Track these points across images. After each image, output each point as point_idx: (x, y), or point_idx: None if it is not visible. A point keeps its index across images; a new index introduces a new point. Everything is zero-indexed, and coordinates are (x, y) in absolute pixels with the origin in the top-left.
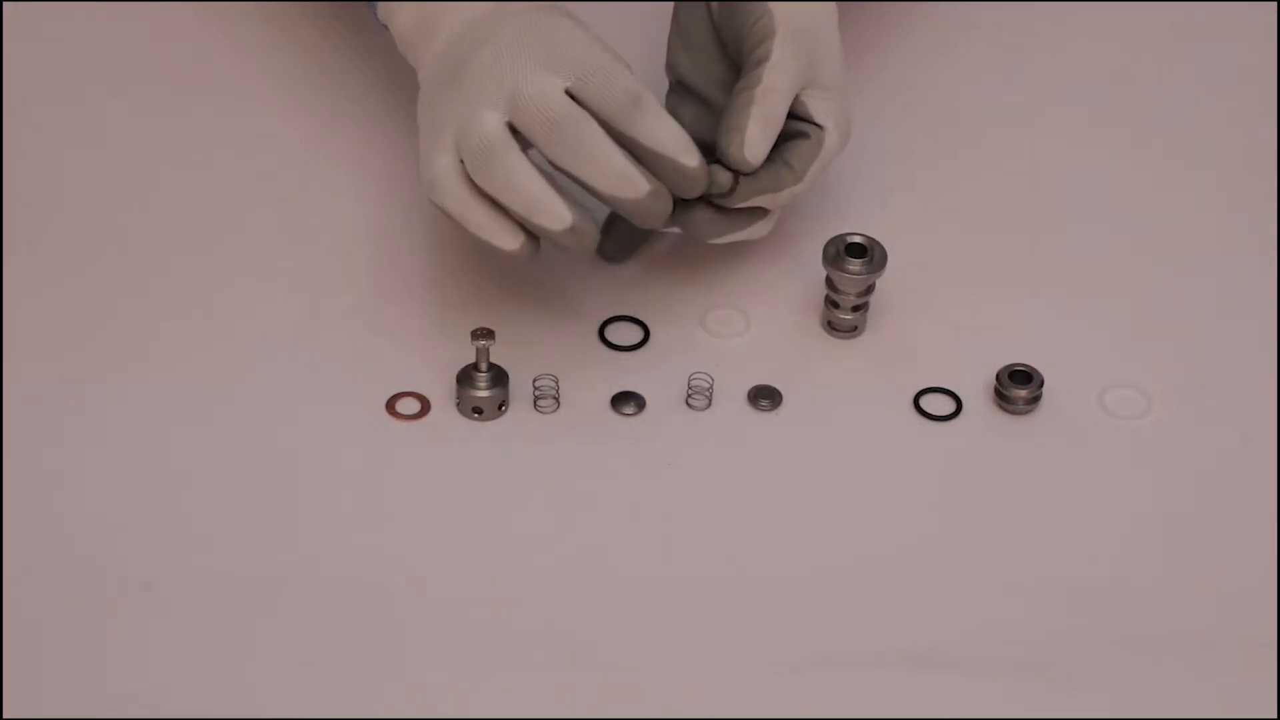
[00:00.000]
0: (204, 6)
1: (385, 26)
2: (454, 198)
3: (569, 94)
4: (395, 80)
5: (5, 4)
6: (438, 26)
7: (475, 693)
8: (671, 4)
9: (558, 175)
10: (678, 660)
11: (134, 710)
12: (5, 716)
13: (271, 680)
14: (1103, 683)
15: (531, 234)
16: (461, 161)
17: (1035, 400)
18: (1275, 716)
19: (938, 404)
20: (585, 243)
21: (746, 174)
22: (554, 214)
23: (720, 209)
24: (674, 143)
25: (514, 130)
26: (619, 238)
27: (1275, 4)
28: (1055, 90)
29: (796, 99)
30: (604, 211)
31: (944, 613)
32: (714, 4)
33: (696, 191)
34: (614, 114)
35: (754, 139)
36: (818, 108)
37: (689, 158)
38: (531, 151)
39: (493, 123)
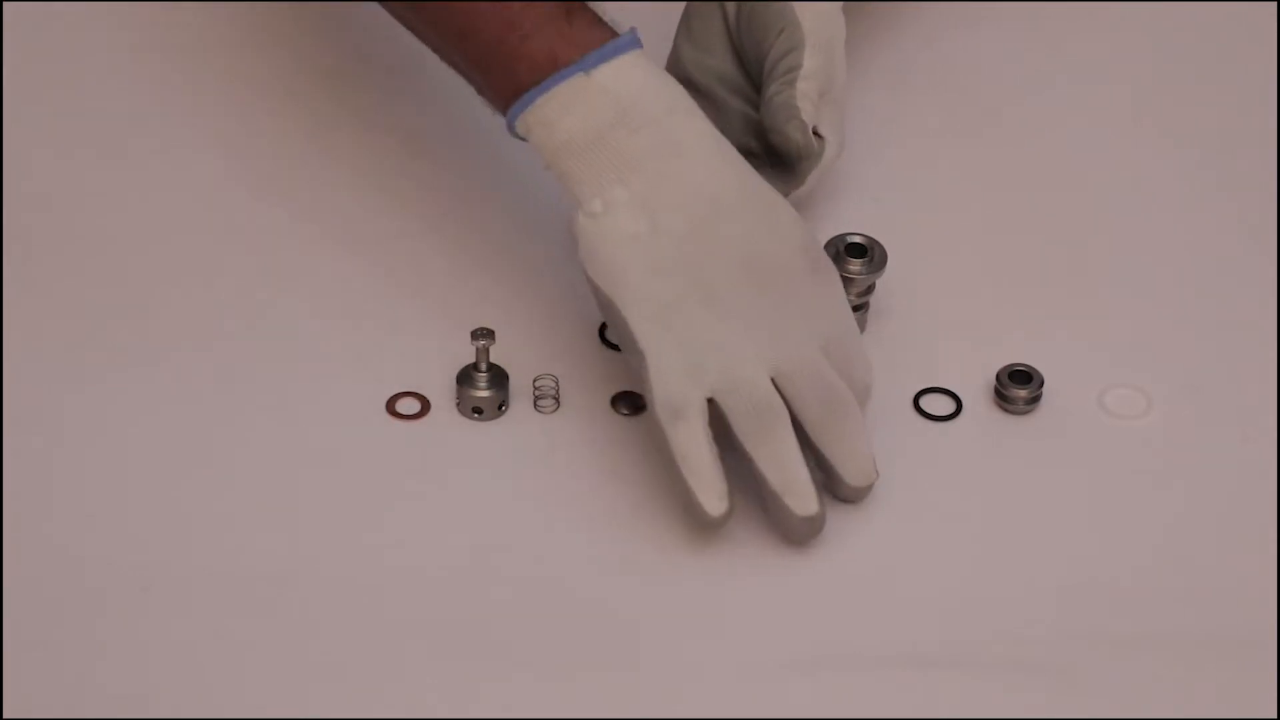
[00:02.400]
0: (204, 6)
1: (519, 136)
2: (694, 439)
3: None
4: (396, 80)
5: (5, 4)
6: (634, 164)
7: (475, 692)
8: (674, 3)
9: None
10: (678, 660)
11: (134, 710)
12: (5, 717)
13: (271, 680)
14: (1103, 683)
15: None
16: (709, 400)
17: (1035, 400)
18: (1275, 717)
19: (938, 404)
20: (814, 534)
21: (797, 160)
22: (806, 501)
23: None
24: (858, 472)
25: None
26: None
27: (1275, 4)
28: (1056, 91)
29: None
30: None
31: (944, 613)
32: (730, 7)
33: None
34: (816, 420)
35: (805, 128)
36: (824, 119)
37: (864, 480)
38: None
39: (768, 387)
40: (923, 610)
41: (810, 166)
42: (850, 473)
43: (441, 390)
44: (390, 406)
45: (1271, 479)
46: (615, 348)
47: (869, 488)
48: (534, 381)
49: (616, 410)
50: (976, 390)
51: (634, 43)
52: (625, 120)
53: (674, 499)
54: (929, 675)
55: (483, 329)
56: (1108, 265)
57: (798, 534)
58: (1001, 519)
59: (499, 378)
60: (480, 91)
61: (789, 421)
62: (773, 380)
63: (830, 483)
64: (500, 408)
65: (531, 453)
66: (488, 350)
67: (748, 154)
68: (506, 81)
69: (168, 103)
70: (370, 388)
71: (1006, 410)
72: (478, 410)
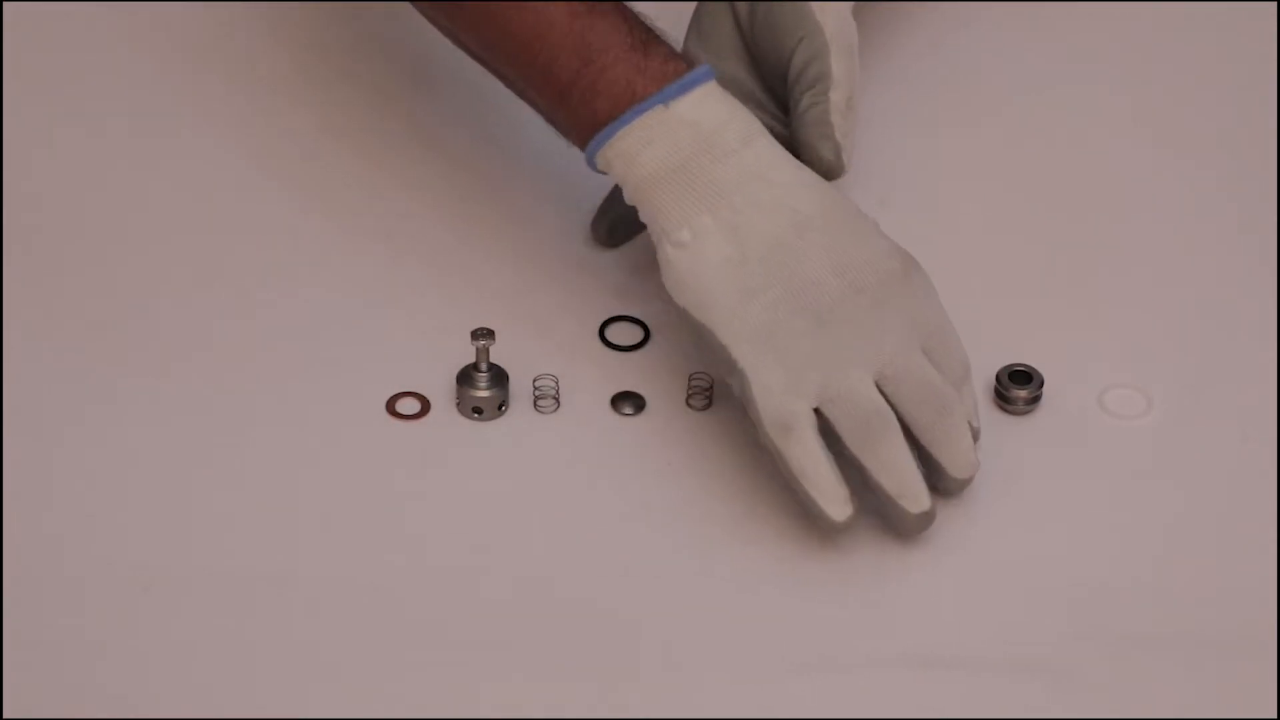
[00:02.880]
0: (204, 6)
1: (600, 170)
2: (808, 451)
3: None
4: (396, 80)
5: (5, 4)
6: (719, 192)
7: (475, 692)
8: (682, 4)
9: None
10: (678, 660)
11: (134, 710)
12: (5, 717)
13: (271, 680)
14: (1103, 683)
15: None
16: (815, 411)
17: (1035, 400)
18: (1275, 717)
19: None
20: (929, 526)
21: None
22: (920, 500)
23: None
24: (962, 467)
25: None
26: (612, 220)
27: (1275, 4)
28: (1056, 91)
29: None
30: None
31: (944, 613)
32: (741, 9)
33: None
34: (923, 424)
35: (838, 149)
36: (838, 127)
37: (966, 471)
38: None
39: (875, 392)
40: (923, 610)
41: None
42: (956, 467)
43: (441, 390)
44: (390, 406)
45: (1271, 479)
46: (615, 348)
47: (971, 479)
48: (534, 381)
49: (616, 410)
50: (976, 390)
51: (708, 74)
52: (708, 150)
53: (674, 498)
54: (929, 675)
55: (483, 329)
56: (1108, 265)
57: (913, 530)
58: (1001, 519)
59: (499, 378)
60: (556, 126)
61: (898, 426)
62: (877, 384)
63: (933, 476)
64: (500, 408)
65: (531, 453)
66: (488, 350)
67: None
68: (584, 116)
69: (167, 103)
70: (370, 388)
71: (1006, 410)
72: (478, 410)
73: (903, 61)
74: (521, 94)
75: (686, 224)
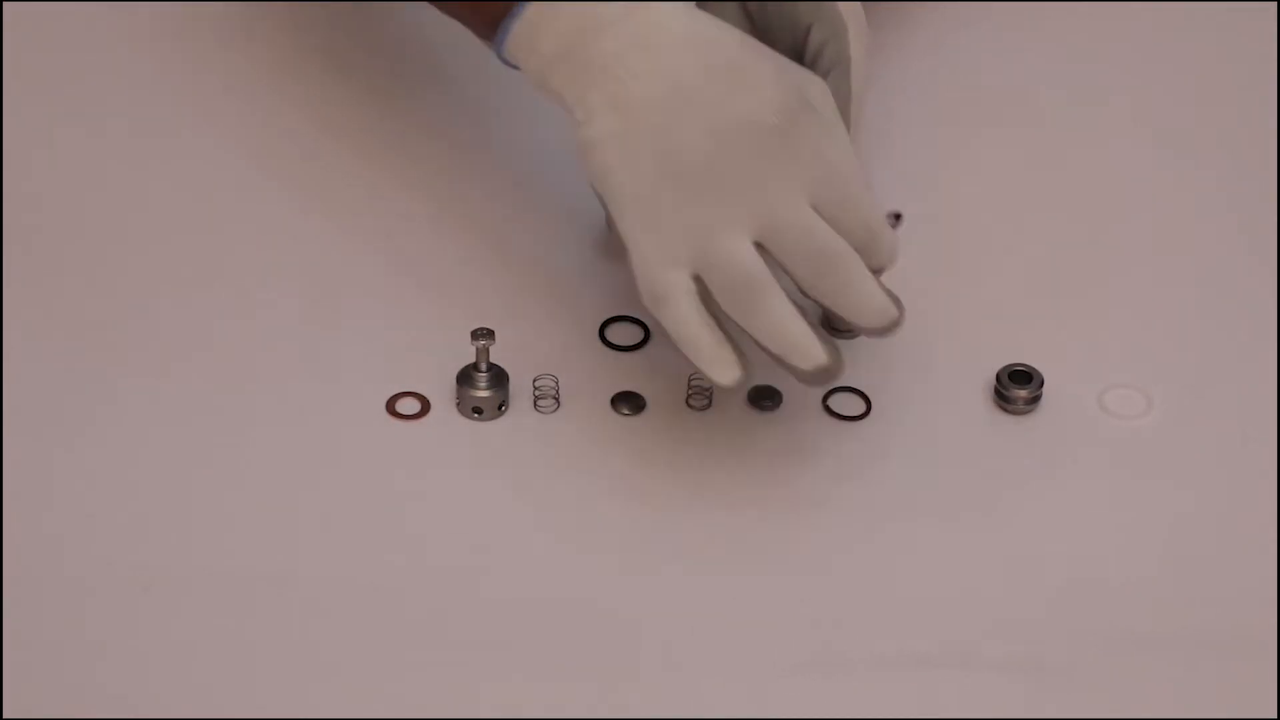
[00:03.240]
0: (204, 5)
1: (512, 66)
2: (685, 320)
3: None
4: (396, 81)
5: (5, 4)
6: (610, 69)
7: (475, 692)
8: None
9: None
10: (678, 660)
11: (134, 710)
12: (5, 717)
13: (271, 680)
14: (1103, 683)
15: (745, 366)
16: (695, 279)
17: (1035, 400)
18: (1275, 717)
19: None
20: (832, 380)
21: None
22: (810, 356)
23: None
24: (873, 316)
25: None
26: None
27: (1275, 4)
28: (1056, 91)
29: None
30: None
31: (944, 613)
32: (752, 6)
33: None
34: (856, 247)
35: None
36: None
37: (886, 322)
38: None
39: (750, 255)
40: (923, 610)
41: None
42: (865, 318)
43: (441, 390)
44: (390, 406)
45: (1271, 479)
46: (615, 348)
47: (894, 325)
48: (534, 381)
49: (616, 410)
50: (976, 390)
51: None
52: (593, 26)
53: (674, 498)
54: (929, 675)
55: (483, 329)
56: (1108, 265)
57: (815, 383)
58: (1001, 519)
59: (499, 378)
60: (477, 34)
61: (776, 288)
62: (759, 244)
63: (850, 327)
64: (500, 408)
65: (531, 453)
66: (488, 350)
67: None
68: (489, 20)
69: (168, 103)
70: (370, 388)
71: (1006, 410)
72: (478, 410)
73: (903, 61)
74: (447, 12)
75: (580, 104)
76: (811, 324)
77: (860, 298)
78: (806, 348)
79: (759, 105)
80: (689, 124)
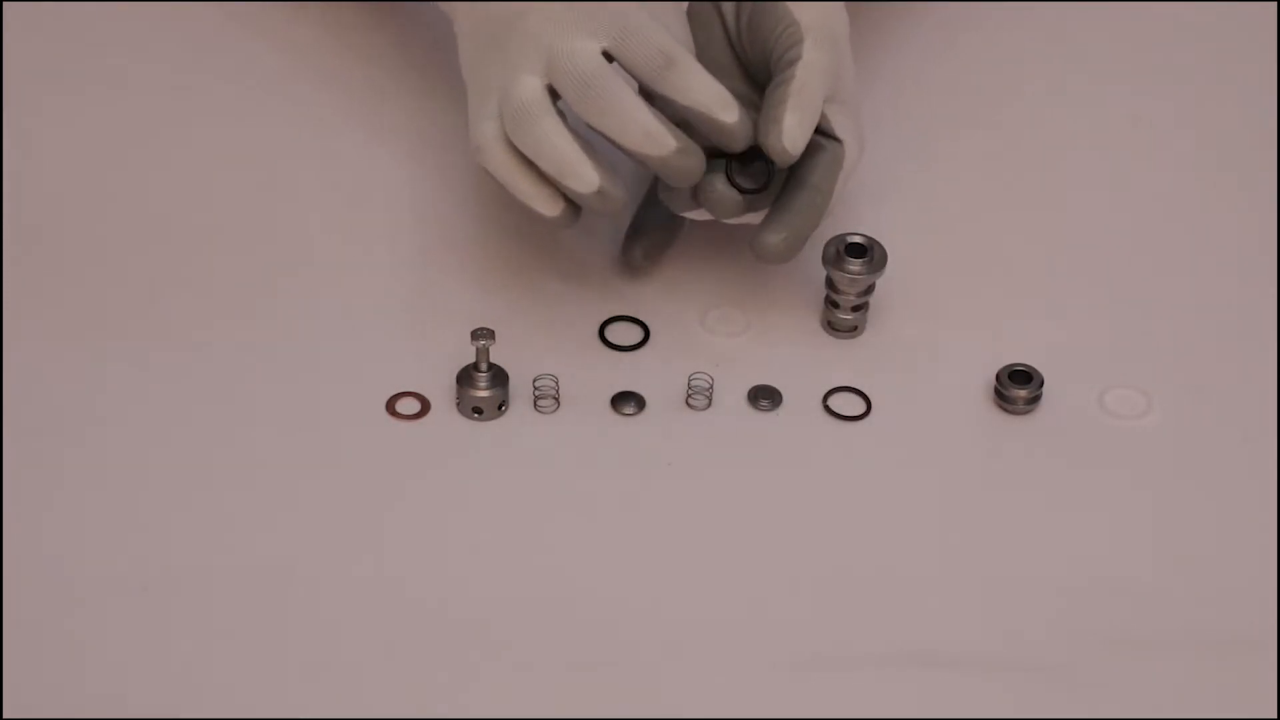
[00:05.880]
0: (205, 5)
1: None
2: (498, 163)
3: (606, 54)
4: (397, 83)
5: (5, 4)
6: None
7: (475, 692)
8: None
9: (597, 141)
10: (678, 660)
11: (134, 710)
12: (5, 717)
13: (272, 680)
14: (1103, 683)
15: (571, 202)
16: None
17: (1035, 400)
18: (1275, 717)
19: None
20: (611, 206)
21: (785, 165)
22: (582, 177)
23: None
24: (711, 99)
25: (554, 94)
26: (646, 245)
27: (1275, 4)
28: (1056, 90)
29: None
30: (637, 183)
31: (944, 613)
32: (731, 21)
33: (740, 146)
34: (649, 74)
35: (792, 129)
36: (838, 122)
37: (727, 114)
38: (571, 116)
39: (530, 86)
40: (923, 610)
41: (834, 170)
42: (629, 140)
43: (441, 390)
44: (390, 406)
45: (1271, 479)
46: (615, 348)
47: (678, 157)
48: (534, 381)
49: (616, 410)
50: (976, 390)
51: None
52: None
53: (674, 499)
54: (929, 675)
55: (483, 329)
56: (1108, 265)
57: (600, 210)
58: (1001, 519)
59: (499, 378)
60: None
61: (551, 116)
62: (551, 88)
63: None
64: (500, 408)
65: (531, 453)
66: (488, 350)
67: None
68: None
69: (167, 102)
70: (370, 388)
71: (1006, 410)
72: (478, 410)
73: (902, 61)
74: None
75: (455, 17)
76: (588, 149)
77: (620, 117)
78: (576, 166)
79: None
80: (528, 14)
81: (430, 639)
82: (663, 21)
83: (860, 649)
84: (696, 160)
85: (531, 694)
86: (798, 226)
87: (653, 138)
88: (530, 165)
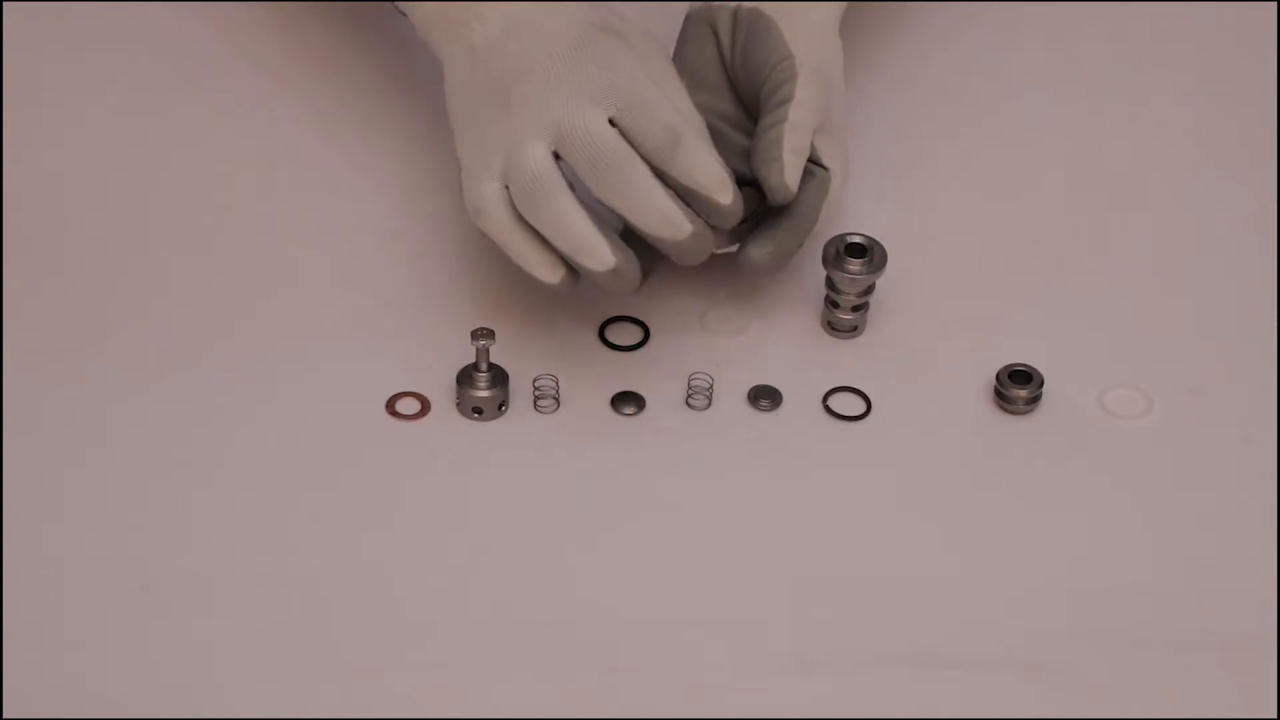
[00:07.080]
0: (204, 5)
1: (403, 14)
2: (499, 226)
3: (611, 123)
4: (397, 82)
5: (5, 4)
6: (467, 20)
7: (475, 692)
8: (677, 4)
9: (605, 212)
10: (678, 660)
11: (134, 710)
12: (5, 717)
13: (271, 680)
14: (1103, 683)
15: (571, 267)
16: (507, 188)
17: (1035, 400)
18: (1275, 717)
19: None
20: (626, 285)
21: (782, 203)
22: (598, 256)
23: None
24: (711, 181)
25: (558, 157)
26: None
27: (1275, 4)
28: (1056, 90)
29: None
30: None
31: (944, 613)
32: (726, 42)
33: (729, 225)
34: (655, 151)
35: (790, 168)
36: (826, 151)
37: (724, 195)
38: (579, 185)
39: (540, 156)
40: (923, 610)
41: (821, 196)
42: (646, 223)
43: (441, 390)
44: (390, 406)
45: (1271, 479)
46: (615, 348)
47: (694, 240)
48: (534, 381)
49: (616, 410)
50: (976, 390)
51: None
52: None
53: (674, 499)
54: (929, 675)
55: (483, 329)
56: (1108, 264)
57: (614, 289)
58: (1001, 519)
59: (499, 378)
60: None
61: (563, 190)
62: (557, 154)
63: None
64: (500, 408)
65: (531, 453)
66: (488, 350)
67: (745, 184)
68: None
69: (167, 103)
70: (370, 388)
71: (1006, 410)
72: (478, 410)
73: (902, 61)
74: None
75: (446, 58)
76: (602, 227)
77: (638, 199)
78: (593, 246)
79: (565, 27)
80: (509, 52)
81: (430, 639)
82: (662, 89)
83: (860, 649)
84: (709, 242)
85: (531, 694)
86: (783, 243)
87: (670, 221)
88: (531, 229)
